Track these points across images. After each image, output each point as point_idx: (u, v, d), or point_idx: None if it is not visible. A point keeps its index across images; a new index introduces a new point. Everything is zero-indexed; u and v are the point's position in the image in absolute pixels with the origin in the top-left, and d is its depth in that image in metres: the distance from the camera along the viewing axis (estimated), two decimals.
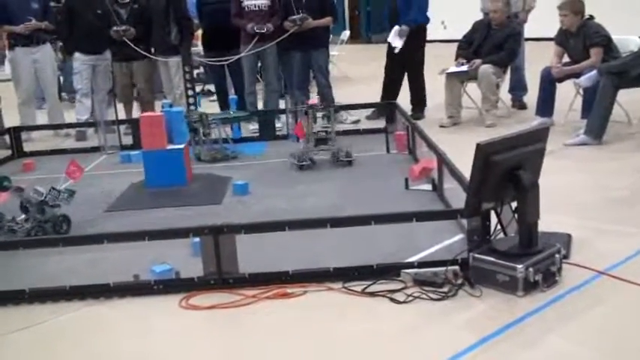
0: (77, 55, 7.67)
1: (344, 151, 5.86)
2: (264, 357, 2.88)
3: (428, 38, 7.86)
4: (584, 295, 3.20)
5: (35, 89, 7.99)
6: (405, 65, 7.70)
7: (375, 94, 8.00)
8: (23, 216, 4.46)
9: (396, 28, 7.53)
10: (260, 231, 3.61)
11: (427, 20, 7.75)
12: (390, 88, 7.80)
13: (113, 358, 2.96)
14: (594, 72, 6.06)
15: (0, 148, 7.08)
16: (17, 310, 3.40)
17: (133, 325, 3.21)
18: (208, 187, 5.36)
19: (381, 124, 6.98)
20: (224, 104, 7.72)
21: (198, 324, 3.17)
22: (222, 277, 3.45)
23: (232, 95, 7.60)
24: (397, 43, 7.53)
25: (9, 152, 6.96)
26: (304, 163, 5.74)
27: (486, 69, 6.95)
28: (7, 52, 7.70)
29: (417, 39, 7.60)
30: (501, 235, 3.47)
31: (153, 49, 7.61)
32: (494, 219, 3.44)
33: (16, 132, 7.07)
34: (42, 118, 8.07)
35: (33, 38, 7.56)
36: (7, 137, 7.08)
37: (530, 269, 3.16)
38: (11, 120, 7.63)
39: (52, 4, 8.68)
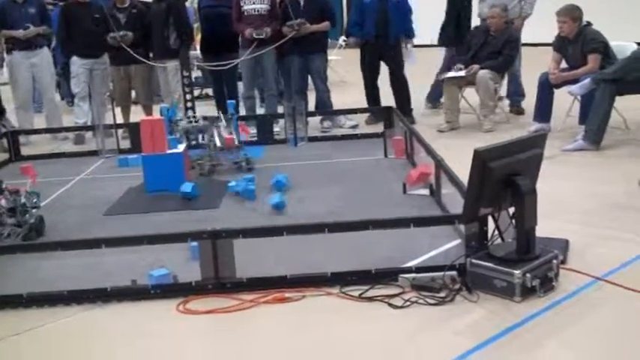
0: (75, 58, 7.66)
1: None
2: None
3: (425, 43, 7.89)
4: (581, 301, 3.21)
5: (32, 93, 7.99)
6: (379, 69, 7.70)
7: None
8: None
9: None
10: (258, 236, 3.61)
11: None
12: (374, 91, 7.82)
13: None
14: (587, 80, 6.05)
15: None
16: (14, 315, 3.39)
17: (130, 330, 3.20)
18: (206, 191, 5.36)
19: (379, 128, 6.98)
20: (222, 108, 7.72)
21: (196, 329, 3.17)
22: (220, 282, 3.45)
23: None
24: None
25: (7, 156, 6.95)
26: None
27: (484, 74, 6.96)
28: (5, 55, 7.70)
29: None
30: (499, 240, 3.47)
31: (151, 54, 7.61)
32: (491, 224, 3.45)
33: (13, 136, 7.06)
34: (40, 121, 8.07)
35: (31, 42, 7.57)
36: (4, 141, 7.08)
37: (528, 275, 3.17)
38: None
39: (50, 7, 8.71)
